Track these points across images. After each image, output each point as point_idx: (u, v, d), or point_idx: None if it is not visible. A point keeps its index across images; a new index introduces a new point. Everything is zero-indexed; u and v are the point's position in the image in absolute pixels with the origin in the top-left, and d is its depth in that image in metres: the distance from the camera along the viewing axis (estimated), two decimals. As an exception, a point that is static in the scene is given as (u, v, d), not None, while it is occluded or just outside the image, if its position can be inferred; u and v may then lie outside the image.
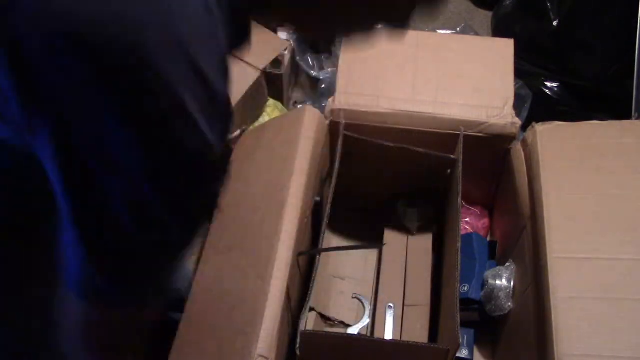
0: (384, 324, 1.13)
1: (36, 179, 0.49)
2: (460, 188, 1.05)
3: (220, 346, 0.94)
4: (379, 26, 0.56)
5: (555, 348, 0.84)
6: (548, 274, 0.92)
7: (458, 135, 1.14)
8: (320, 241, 1.01)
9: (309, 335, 0.93)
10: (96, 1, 0.41)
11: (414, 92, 1.19)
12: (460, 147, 1.11)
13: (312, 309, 1.13)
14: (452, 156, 1.15)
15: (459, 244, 0.99)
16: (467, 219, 1.35)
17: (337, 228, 1.35)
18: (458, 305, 0.91)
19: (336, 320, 1.21)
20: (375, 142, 1.11)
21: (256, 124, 1.61)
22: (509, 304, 1.09)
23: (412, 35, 1.29)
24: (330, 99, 1.20)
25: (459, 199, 1.04)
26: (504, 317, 1.11)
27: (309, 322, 1.07)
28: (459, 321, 0.89)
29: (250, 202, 1.13)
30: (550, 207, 0.99)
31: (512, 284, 1.09)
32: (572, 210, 0.98)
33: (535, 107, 1.52)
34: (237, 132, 1.52)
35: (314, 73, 1.80)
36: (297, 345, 0.93)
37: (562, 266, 0.92)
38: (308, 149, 1.12)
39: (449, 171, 1.19)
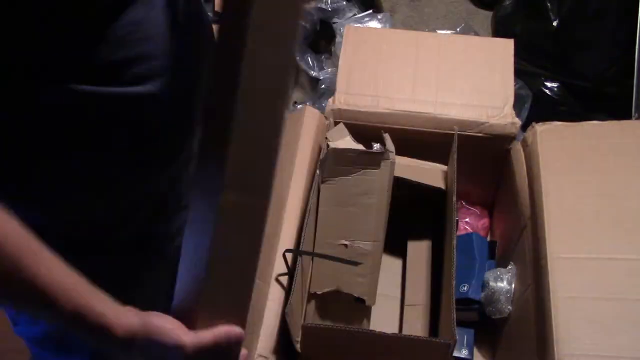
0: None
1: None
2: (455, 187, 1.05)
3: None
4: None
5: (555, 348, 0.84)
6: (548, 274, 0.92)
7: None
8: (302, 242, 1.00)
9: (310, 328, 0.93)
10: None
11: (414, 92, 1.19)
12: (454, 146, 1.11)
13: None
14: (443, 188, 1.15)
15: (455, 242, 0.99)
16: (467, 219, 1.34)
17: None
18: (454, 301, 0.92)
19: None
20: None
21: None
22: (509, 307, 1.08)
23: (412, 35, 1.29)
24: (330, 99, 1.20)
25: (454, 198, 1.04)
26: (504, 317, 1.10)
27: (307, 316, 1.07)
28: (455, 316, 0.89)
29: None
30: (550, 207, 0.99)
31: (512, 286, 1.09)
32: (572, 210, 0.98)
33: (535, 107, 1.52)
34: None
35: (314, 73, 1.80)
36: (297, 338, 0.92)
37: (562, 266, 0.92)
38: (308, 149, 1.12)
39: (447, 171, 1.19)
